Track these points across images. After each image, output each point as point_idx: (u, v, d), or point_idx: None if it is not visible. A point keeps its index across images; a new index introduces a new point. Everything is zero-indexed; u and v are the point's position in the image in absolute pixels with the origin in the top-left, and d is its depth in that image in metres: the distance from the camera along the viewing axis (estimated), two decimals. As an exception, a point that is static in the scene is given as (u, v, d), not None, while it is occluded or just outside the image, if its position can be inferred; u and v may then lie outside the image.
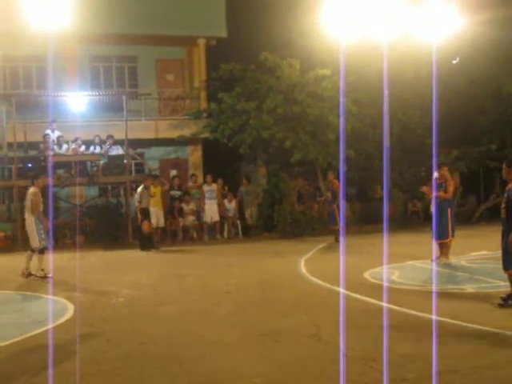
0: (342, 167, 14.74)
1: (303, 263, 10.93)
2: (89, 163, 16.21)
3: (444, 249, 10.32)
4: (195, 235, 16.27)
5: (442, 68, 15.07)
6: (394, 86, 15.52)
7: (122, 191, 17.32)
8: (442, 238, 10.25)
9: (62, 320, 6.85)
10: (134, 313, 7.30)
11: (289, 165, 17.77)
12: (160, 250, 14.00)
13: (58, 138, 16.11)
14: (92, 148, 16.35)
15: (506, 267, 6.79)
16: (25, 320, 6.98)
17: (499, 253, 6.97)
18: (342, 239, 13.43)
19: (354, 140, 16.51)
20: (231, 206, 16.63)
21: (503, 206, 6.73)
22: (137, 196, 14.25)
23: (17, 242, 14.33)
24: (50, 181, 12.82)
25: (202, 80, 19.64)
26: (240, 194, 17.21)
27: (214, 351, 5.49)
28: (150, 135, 18.51)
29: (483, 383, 4.58)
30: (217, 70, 18.04)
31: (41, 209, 10.13)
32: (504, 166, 6.78)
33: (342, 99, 15.23)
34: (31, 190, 10.15)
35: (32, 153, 16.29)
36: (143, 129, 18.15)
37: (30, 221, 10.02)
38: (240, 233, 16.73)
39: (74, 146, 15.97)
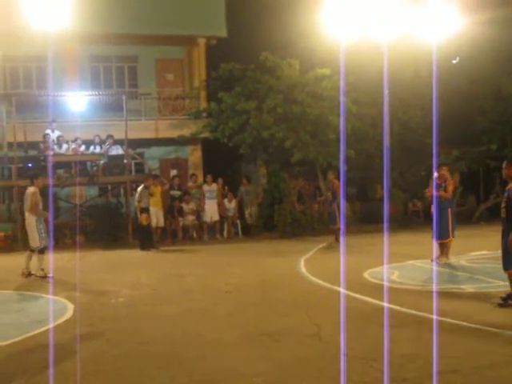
0: (342, 167, 14.74)
1: (303, 263, 10.92)
2: (89, 163, 16.21)
3: (444, 248, 10.33)
4: (195, 235, 16.27)
5: (442, 68, 15.06)
6: (394, 86, 15.51)
7: (121, 191, 17.31)
8: (443, 237, 10.25)
9: (61, 320, 6.84)
10: (134, 312, 7.29)
11: (289, 164, 17.76)
12: (160, 249, 13.99)
13: (58, 137, 16.10)
14: (92, 148, 16.34)
15: (505, 267, 6.80)
16: (25, 320, 6.97)
17: (499, 252, 6.97)
18: (342, 239, 13.43)
19: (354, 140, 16.51)
20: (231, 205, 16.62)
21: (503, 205, 6.73)
22: (137, 196, 14.27)
23: (17, 242, 14.31)
24: (50, 181, 12.82)
25: (202, 80, 19.63)
26: (240, 193, 17.20)
27: (214, 351, 5.49)
28: (150, 135, 18.51)
29: (483, 383, 4.58)
30: (217, 70, 18.04)
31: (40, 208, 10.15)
32: (505, 165, 6.77)
33: (342, 99, 15.24)
34: (31, 189, 10.16)
35: (32, 153, 16.26)
36: (143, 128, 18.15)
37: (30, 220, 10.04)
38: (240, 232, 16.73)
39: (73, 146, 15.97)
